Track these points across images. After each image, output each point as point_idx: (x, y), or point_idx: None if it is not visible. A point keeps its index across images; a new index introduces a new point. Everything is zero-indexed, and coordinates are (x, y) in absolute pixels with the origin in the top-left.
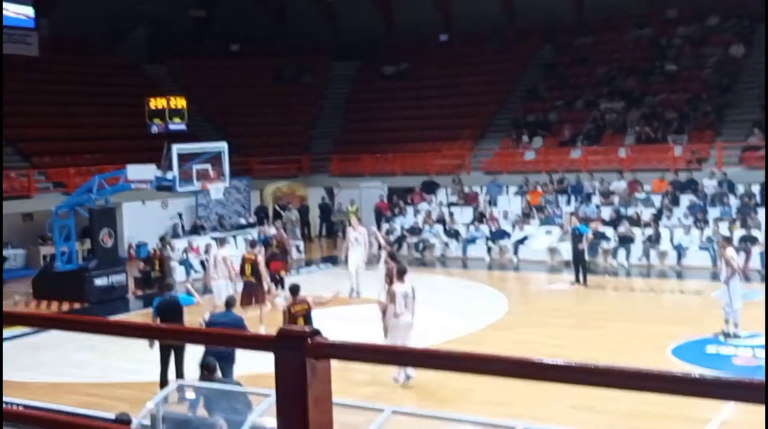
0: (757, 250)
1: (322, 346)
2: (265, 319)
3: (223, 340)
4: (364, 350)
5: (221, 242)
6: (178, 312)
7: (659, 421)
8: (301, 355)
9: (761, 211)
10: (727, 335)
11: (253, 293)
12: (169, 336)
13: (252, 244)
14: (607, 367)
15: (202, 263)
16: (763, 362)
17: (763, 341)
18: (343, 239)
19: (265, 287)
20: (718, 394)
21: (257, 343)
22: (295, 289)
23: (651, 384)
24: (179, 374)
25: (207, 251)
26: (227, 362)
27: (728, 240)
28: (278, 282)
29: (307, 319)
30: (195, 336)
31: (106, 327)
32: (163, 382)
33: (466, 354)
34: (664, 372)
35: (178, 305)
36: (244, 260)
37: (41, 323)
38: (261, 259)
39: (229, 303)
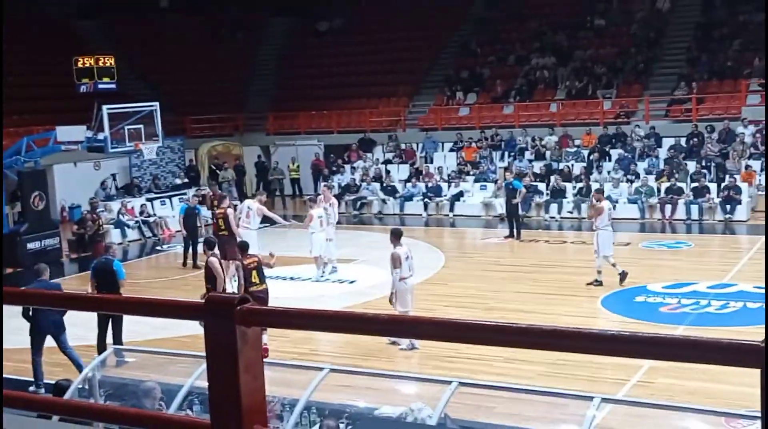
0: (682, 201)
1: (250, 312)
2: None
3: (150, 309)
4: (292, 315)
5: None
6: (110, 275)
7: (590, 368)
8: (230, 322)
9: (688, 163)
10: (599, 283)
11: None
12: (95, 307)
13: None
14: (531, 327)
15: (139, 224)
16: (687, 309)
17: (686, 290)
18: (281, 198)
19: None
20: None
21: (187, 311)
22: (244, 246)
23: (568, 343)
24: (117, 340)
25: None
26: (61, 332)
27: (601, 192)
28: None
29: (259, 272)
30: (121, 305)
31: (32, 298)
32: (101, 347)
33: (396, 317)
34: (581, 330)
35: (111, 268)
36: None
37: None
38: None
39: (39, 271)
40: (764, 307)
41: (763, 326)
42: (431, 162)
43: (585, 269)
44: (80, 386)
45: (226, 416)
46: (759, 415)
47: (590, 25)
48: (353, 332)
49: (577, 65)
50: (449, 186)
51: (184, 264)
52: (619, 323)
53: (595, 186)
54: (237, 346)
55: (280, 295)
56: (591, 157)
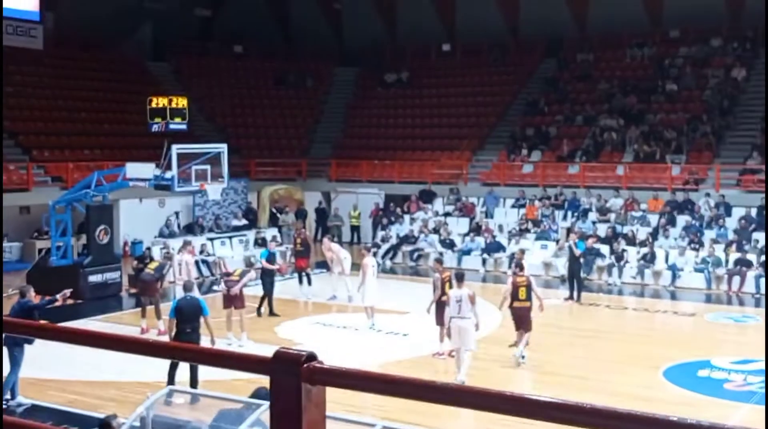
0: (752, 274)
1: (317, 371)
2: (245, 324)
3: (217, 360)
4: (359, 378)
5: (185, 246)
6: (197, 314)
7: None
8: (296, 380)
9: (758, 235)
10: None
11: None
12: (159, 353)
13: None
14: (595, 408)
15: (197, 263)
16: (754, 388)
17: (754, 367)
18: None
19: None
20: None
21: (252, 365)
22: (520, 265)
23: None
24: (193, 382)
25: (168, 255)
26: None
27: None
28: (301, 278)
29: (528, 291)
30: (190, 354)
31: (83, 338)
32: (170, 383)
33: (463, 388)
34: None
35: (199, 307)
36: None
37: (33, 333)
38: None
39: (23, 292)
40: None
41: None
42: (491, 217)
43: (645, 338)
44: (133, 424)
45: None
46: None
47: (662, 90)
48: (421, 399)
49: (646, 129)
50: (509, 242)
51: (259, 313)
52: (681, 397)
53: (659, 252)
54: (302, 404)
55: (331, 345)
56: (657, 223)
